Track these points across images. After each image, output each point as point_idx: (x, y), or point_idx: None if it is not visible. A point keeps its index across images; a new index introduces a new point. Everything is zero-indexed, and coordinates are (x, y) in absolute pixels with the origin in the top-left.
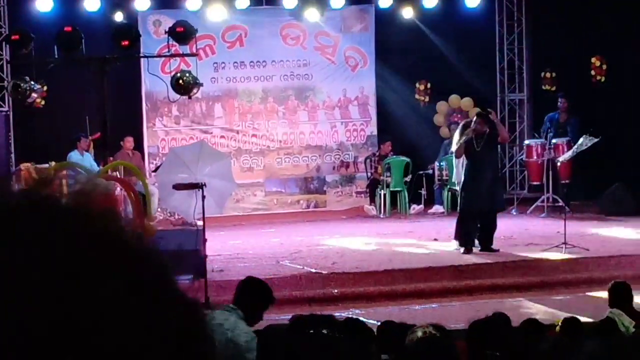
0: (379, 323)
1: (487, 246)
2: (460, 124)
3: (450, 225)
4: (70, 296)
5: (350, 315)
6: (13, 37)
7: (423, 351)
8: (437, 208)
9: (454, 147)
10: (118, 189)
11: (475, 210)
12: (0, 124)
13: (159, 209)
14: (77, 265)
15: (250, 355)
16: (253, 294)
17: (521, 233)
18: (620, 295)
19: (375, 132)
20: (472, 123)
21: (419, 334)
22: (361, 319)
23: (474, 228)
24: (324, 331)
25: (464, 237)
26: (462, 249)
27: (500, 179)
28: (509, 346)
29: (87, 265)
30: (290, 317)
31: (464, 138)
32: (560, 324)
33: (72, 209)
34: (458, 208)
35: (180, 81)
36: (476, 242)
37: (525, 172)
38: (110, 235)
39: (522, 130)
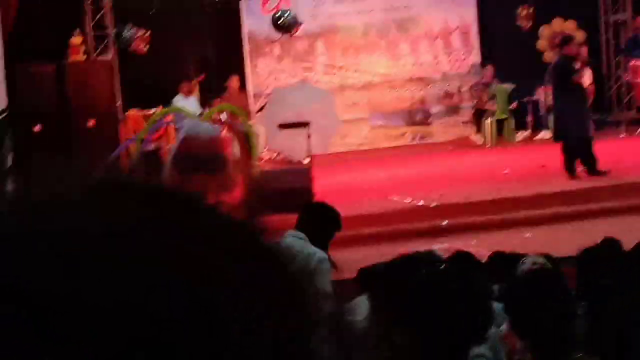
0: (489, 253)
1: (593, 170)
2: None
3: (557, 150)
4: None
5: (459, 247)
6: None
7: (533, 282)
8: (545, 133)
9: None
10: (224, 131)
11: (572, 136)
12: (105, 72)
13: (265, 149)
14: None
15: (323, 279)
16: (319, 218)
17: (630, 155)
18: None
19: (478, 61)
20: (572, 46)
21: (529, 264)
22: (470, 250)
23: (575, 153)
24: (429, 267)
25: (566, 162)
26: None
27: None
28: (621, 273)
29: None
30: (399, 251)
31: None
32: None
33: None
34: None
35: (280, 21)
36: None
37: (632, 93)
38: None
39: None
